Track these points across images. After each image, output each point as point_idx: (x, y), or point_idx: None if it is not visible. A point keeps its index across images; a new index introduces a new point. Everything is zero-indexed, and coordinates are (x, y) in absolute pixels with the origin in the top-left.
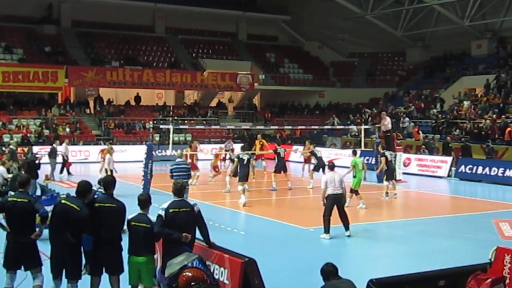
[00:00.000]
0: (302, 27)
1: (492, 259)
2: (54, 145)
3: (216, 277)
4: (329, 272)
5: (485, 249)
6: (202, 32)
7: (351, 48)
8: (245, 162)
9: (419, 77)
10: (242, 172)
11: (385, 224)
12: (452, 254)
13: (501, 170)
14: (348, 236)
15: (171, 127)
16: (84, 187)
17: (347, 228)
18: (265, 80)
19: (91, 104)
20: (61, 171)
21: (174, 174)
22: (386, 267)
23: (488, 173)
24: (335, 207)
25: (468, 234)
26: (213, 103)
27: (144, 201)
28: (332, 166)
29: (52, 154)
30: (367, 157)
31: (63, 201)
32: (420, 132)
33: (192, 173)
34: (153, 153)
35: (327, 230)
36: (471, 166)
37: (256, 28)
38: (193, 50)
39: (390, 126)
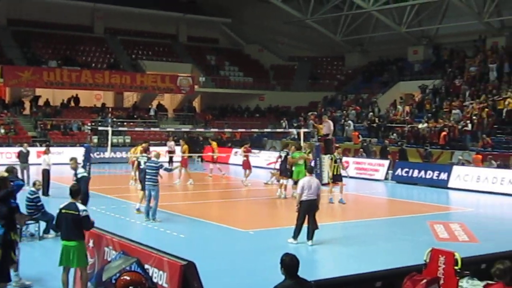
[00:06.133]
0: (242, 30)
1: (427, 260)
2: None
3: (155, 280)
4: (289, 266)
5: (421, 250)
6: (142, 33)
7: (291, 52)
8: (141, 165)
9: (357, 81)
10: (141, 176)
11: (324, 226)
12: (389, 255)
13: (436, 173)
14: (311, 245)
15: (109, 129)
16: None
17: (311, 236)
18: (206, 83)
19: (27, 104)
20: None
21: (147, 175)
22: (326, 269)
23: (423, 176)
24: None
25: (404, 236)
26: (153, 105)
27: (76, 191)
28: (310, 170)
29: None
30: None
31: None
32: (360, 136)
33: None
34: (92, 155)
35: (296, 236)
36: (407, 169)
37: (196, 30)
38: (133, 51)
39: (331, 129)
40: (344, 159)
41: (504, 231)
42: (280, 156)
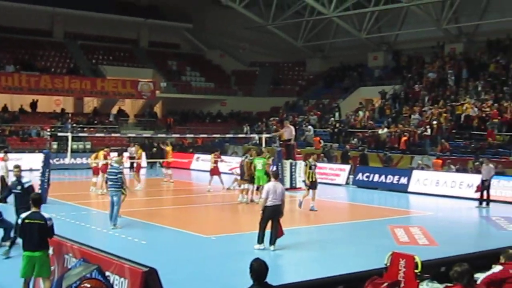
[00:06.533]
0: (204, 35)
1: (388, 264)
2: None
3: (116, 287)
4: (257, 271)
5: (381, 254)
6: (103, 38)
7: (252, 57)
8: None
9: (318, 87)
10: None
11: (287, 231)
12: (351, 259)
13: (396, 177)
14: (273, 250)
15: (69, 134)
16: None
17: (273, 242)
18: (167, 88)
19: None
20: None
21: (108, 180)
22: (288, 274)
23: (384, 180)
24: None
25: (365, 240)
26: (114, 110)
27: (38, 200)
28: (276, 175)
29: None
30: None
31: None
32: (321, 141)
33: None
34: (51, 161)
35: (260, 241)
36: (368, 174)
37: (158, 35)
38: (93, 56)
39: (293, 134)
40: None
41: (463, 234)
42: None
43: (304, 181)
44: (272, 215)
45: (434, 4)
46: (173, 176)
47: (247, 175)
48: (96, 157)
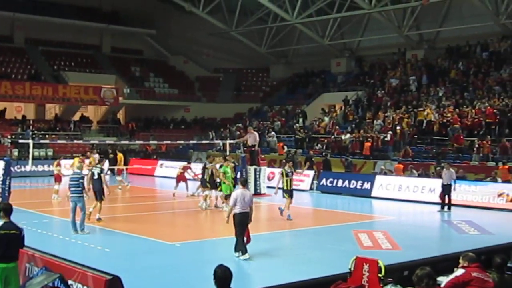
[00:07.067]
0: (167, 41)
1: (352, 269)
2: None
3: None
4: (221, 278)
5: (346, 259)
6: (64, 44)
7: (216, 64)
8: (95, 176)
9: (282, 93)
10: (96, 187)
11: (252, 237)
12: (315, 264)
13: (359, 183)
14: (245, 259)
15: (30, 141)
16: None
17: (237, 250)
18: (130, 94)
19: None
20: None
21: (70, 186)
22: (253, 280)
23: (347, 186)
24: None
25: (329, 245)
26: (76, 117)
27: (9, 210)
28: (244, 182)
29: None
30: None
31: None
32: (285, 146)
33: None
34: (12, 169)
35: (244, 251)
36: (332, 179)
37: (120, 41)
38: (55, 62)
39: (257, 140)
40: (270, 170)
41: (425, 238)
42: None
43: (283, 189)
44: (242, 221)
45: (395, 11)
46: (134, 183)
47: (210, 182)
48: (57, 165)
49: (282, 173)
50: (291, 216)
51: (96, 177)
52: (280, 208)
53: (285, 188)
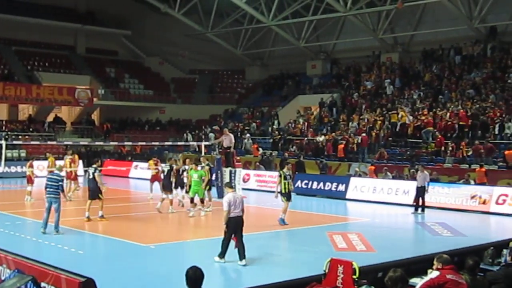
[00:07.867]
0: (143, 42)
1: (327, 270)
2: None
3: None
4: (193, 279)
5: (320, 260)
6: (38, 44)
7: (191, 65)
8: (90, 176)
9: (258, 94)
10: (90, 186)
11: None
12: (290, 266)
13: (334, 185)
14: (244, 265)
15: (3, 142)
16: None
17: (243, 256)
18: (105, 95)
19: None
20: None
21: (48, 187)
22: (227, 281)
23: (322, 187)
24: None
25: (304, 247)
26: (50, 117)
27: None
28: (230, 185)
29: None
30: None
31: None
32: (259, 148)
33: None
34: None
35: (223, 255)
36: (306, 181)
37: (95, 42)
38: (28, 63)
39: (233, 142)
40: (245, 171)
41: (399, 239)
42: (182, 171)
43: (280, 193)
44: (236, 227)
45: (370, 14)
46: (109, 184)
47: (169, 185)
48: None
49: (280, 176)
50: (286, 221)
51: (91, 176)
52: (280, 219)
53: (283, 191)
